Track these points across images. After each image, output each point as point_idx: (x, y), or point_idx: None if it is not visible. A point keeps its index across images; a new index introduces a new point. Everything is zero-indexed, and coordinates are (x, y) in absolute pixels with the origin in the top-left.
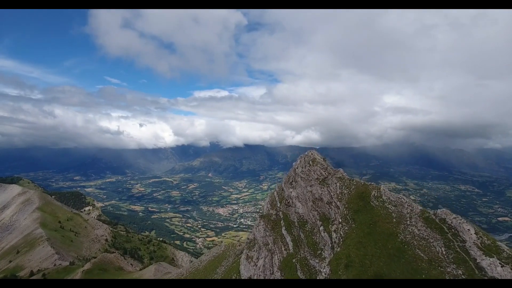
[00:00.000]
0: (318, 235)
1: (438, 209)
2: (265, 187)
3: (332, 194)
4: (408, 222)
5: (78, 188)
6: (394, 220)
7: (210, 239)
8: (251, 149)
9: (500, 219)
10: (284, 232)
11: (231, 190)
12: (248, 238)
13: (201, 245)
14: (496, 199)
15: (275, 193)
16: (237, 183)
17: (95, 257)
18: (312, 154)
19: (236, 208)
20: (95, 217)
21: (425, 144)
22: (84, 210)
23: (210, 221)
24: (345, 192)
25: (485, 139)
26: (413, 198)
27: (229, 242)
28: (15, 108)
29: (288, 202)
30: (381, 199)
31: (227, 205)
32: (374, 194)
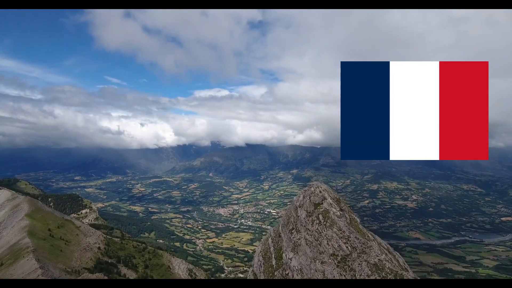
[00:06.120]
0: None
1: None
2: (266, 187)
3: None
4: None
5: (79, 189)
6: None
7: (211, 240)
8: (252, 149)
9: (503, 219)
10: None
11: (232, 190)
12: None
13: (201, 247)
14: (499, 198)
15: (270, 240)
16: (238, 183)
17: (88, 268)
18: (320, 192)
19: (237, 209)
20: (92, 220)
21: None
22: (81, 213)
23: (210, 221)
24: None
25: (488, 138)
26: (415, 197)
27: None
28: (16, 109)
29: (287, 274)
30: None
31: (228, 205)
32: None
